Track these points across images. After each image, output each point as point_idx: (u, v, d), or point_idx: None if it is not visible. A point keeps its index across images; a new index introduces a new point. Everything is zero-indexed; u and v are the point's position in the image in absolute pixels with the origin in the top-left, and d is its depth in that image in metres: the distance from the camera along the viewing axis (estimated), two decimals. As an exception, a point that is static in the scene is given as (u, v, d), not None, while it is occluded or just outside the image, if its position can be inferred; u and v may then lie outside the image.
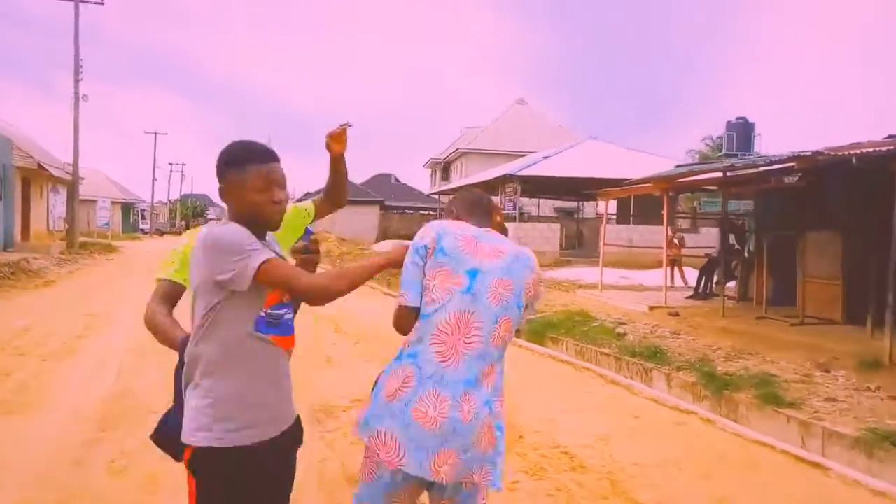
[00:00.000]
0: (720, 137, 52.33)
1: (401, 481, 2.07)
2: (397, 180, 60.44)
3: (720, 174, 10.39)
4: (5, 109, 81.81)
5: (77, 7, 26.12)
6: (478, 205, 2.39)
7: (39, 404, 5.81)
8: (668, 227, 11.92)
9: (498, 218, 2.41)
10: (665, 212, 11.49)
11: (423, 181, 63.42)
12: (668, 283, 16.50)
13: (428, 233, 2.19)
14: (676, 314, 10.59)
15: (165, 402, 5.90)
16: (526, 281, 2.20)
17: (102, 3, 26.48)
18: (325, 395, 6.36)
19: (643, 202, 24.12)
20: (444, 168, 56.20)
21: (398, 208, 50.21)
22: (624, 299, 12.14)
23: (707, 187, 13.27)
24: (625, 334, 9.48)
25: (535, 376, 7.59)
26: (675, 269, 16.69)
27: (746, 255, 12.29)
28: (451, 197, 2.41)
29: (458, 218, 2.33)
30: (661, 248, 21.11)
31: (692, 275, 16.80)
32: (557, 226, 25.07)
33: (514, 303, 2.16)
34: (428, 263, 2.14)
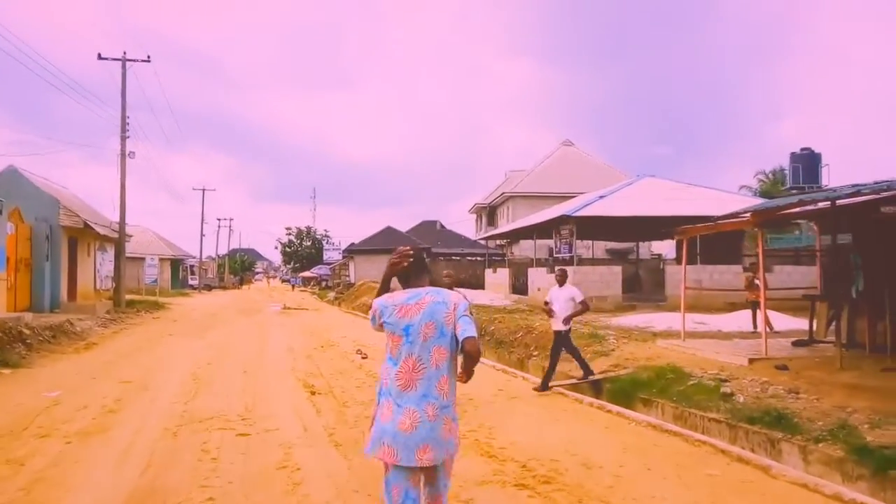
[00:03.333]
0: (775, 171, 50.47)
1: (403, 470, 3.15)
2: (443, 227, 59.71)
3: (826, 204, 9.04)
4: (57, 172, 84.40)
5: (124, 66, 26.30)
6: (415, 272, 3.43)
7: (51, 507, 4.78)
8: (757, 266, 10.48)
9: (447, 280, 4.88)
10: (760, 249, 10.12)
11: (468, 227, 62.67)
12: (752, 329, 14.99)
13: (375, 312, 3.35)
14: (785, 367, 9.15)
15: (199, 503, 4.82)
16: (444, 315, 3.21)
17: (149, 61, 26.70)
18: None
19: (709, 241, 22.62)
20: (489, 213, 55.34)
21: (445, 255, 49.25)
22: (714, 350, 10.72)
23: (798, 220, 11.84)
24: (732, 394, 8.11)
25: (639, 453, 6.29)
26: (758, 312, 15.13)
27: (854, 295, 10.79)
28: (396, 261, 3.47)
29: (401, 280, 3.44)
30: (733, 290, 19.69)
31: (777, 318, 15.23)
32: (619, 268, 23.59)
33: (439, 333, 3.19)
34: (384, 329, 3.29)
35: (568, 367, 11.63)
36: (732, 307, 19.39)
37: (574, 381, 10.32)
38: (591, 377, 9.83)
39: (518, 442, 6.57)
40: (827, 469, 6.04)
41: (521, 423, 7.50)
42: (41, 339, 14.05)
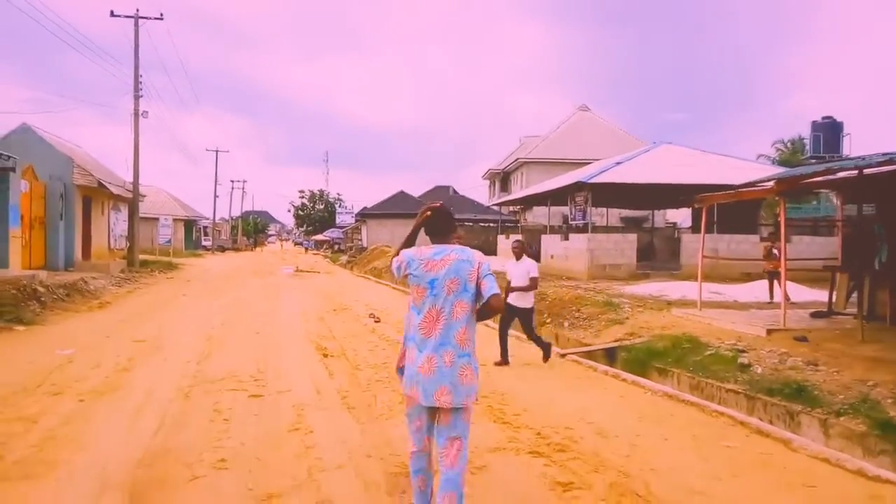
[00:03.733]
0: (793, 140, 49.57)
1: (423, 407, 3.49)
2: (456, 192, 59.33)
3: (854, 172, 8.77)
4: (71, 131, 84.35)
5: (136, 23, 25.98)
6: (442, 226, 3.63)
7: (62, 465, 4.75)
8: (776, 235, 10.22)
9: (456, 241, 3.68)
10: (782, 218, 9.88)
11: (481, 193, 62.29)
12: (768, 300, 14.78)
13: (402, 263, 3.53)
14: (804, 339, 9.00)
15: (209, 465, 4.76)
16: (468, 272, 3.45)
17: (161, 18, 26.32)
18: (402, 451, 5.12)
19: (726, 210, 22.29)
20: (503, 179, 54.89)
21: (458, 221, 48.79)
22: (731, 319, 10.57)
23: (821, 190, 11.55)
24: (749, 365, 7.99)
25: (655, 423, 6.19)
26: (775, 282, 14.91)
27: (877, 266, 10.56)
28: (427, 212, 3.66)
29: (428, 231, 3.64)
30: (751, 259, 19.43)
31: (794, 289, 15.02)
32: (633, 236, 23.30)
33: (462, 289, 3.43)
34: (409, 280, 3.52)
35: (581, 334, 11.53)
36: (748, 277, 19.21)
37: (588, 348, 10.23)
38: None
39: (531, 409, 6.49)
40: (848, 443, 5.94)
41: (535, 390, 7.41)
42: (55, 297, 14.10)
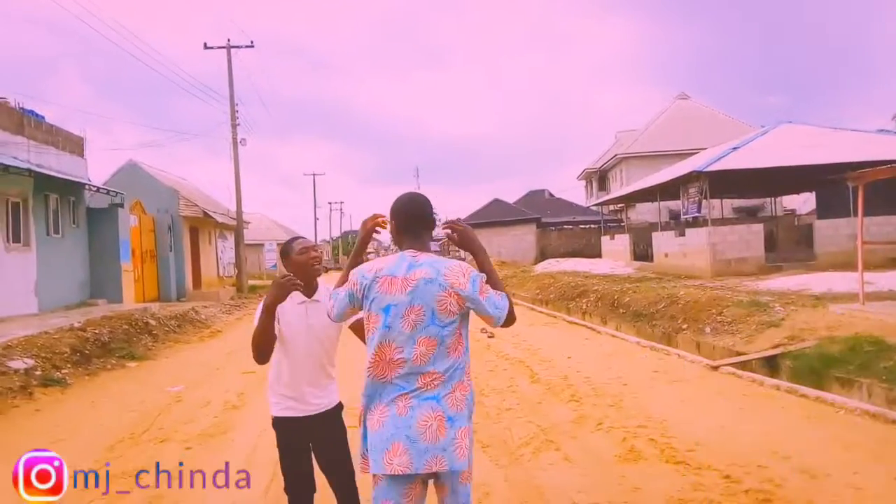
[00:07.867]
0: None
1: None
2: (551, 195, 57.81)
3: None
4: (179, 168, 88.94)
5: (229, 52, 26.41)
6: (415, 220, 2.56)
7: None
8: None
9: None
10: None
11: (577, 194, 60.47)
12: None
13: (354, 283, 2.52)
14: None
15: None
16: (435, 299, 2.36)
17: (252, 46, 26.67)
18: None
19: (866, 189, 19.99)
20: (600, 177, 52.93)
21: (555, 224, 47.56)
22: (911, 314, 8.95)
23: None
24: (964, 371, 6.49)
25: (868, 454, 4.91)
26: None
27: None
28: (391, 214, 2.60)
29: (398, 232, 2.57)
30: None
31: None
32: (759, 227, 21.36)
33: (429, 321, 2.36)
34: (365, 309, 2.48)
35: (729, 340, 10.17)
36: (894, 263, 17.19)
37: (743, 357, 8.90)
38: None
39: (705, 441, 5.35)
40: None
41: (699, 415, 6.24)
42: (167, 328, 14.04)
